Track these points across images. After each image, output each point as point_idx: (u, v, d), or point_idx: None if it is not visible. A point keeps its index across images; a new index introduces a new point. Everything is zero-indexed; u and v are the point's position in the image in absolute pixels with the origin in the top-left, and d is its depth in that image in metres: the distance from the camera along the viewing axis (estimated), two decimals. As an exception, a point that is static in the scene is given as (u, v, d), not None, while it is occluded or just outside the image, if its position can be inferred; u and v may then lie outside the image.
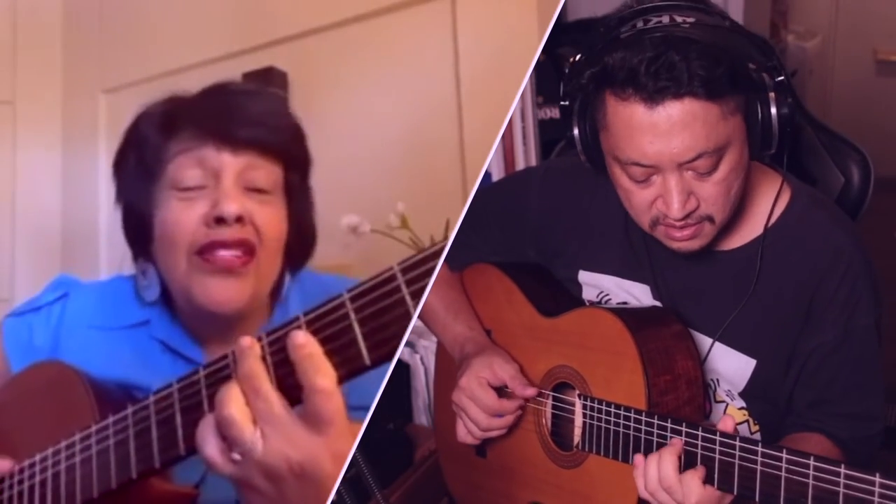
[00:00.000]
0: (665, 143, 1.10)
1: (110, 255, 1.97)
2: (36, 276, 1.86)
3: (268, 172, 1.32)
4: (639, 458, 1.16)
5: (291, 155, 1.35)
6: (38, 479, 1.17)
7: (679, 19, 1.13)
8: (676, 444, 1.12)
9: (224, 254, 1.27)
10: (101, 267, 1.97)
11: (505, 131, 1.94)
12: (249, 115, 1.32)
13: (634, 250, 1.29)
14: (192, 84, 1.37)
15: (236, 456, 0.97)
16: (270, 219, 1.31)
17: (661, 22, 1.13)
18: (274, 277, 1.35)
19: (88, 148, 1.99)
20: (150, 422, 1.07)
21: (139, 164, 1.34)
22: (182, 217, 1.28)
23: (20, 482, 1.19)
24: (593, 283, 1.34)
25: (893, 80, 2.94)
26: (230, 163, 1.29)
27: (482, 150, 1.59)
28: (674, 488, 1.11)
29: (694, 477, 1.10)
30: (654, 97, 1.08)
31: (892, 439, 1.30)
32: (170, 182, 1.30)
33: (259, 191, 1.31)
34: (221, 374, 1.03)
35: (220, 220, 1.27)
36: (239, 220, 1.27)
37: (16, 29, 1.97)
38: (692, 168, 1.12)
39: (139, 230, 1.35)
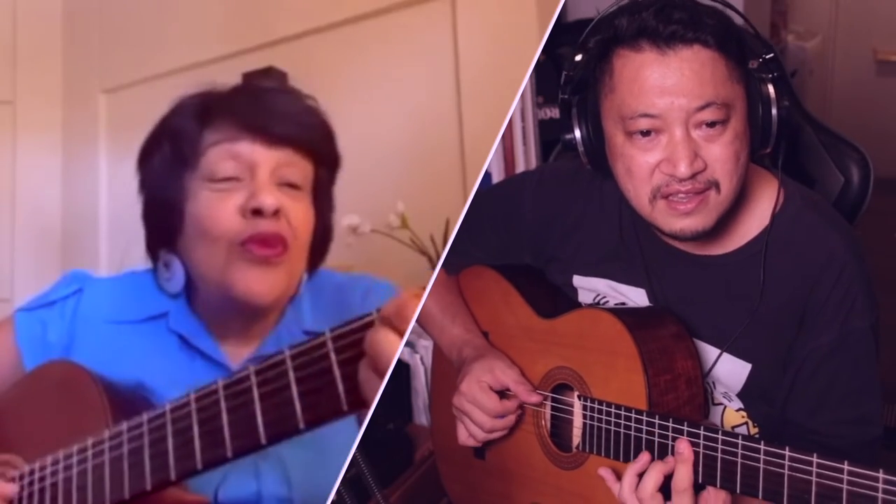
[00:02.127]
0: (675, 90, 1.11)
1: (110, 255, 1.97)
2: (36, 276, 1.86)
3: (300, 169, 1.34)
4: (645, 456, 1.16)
5: (323, 154, 1.38)
6: (48, 482, 1.16)
7: None
8: (669, 461, 1.13)
9: (262, 245, 1.29)
10: (102, 266, 1.97)
11: (505, 131, 1.94)
12: (285, 112, 1.35)
13: (629, 254, 1.28)
14: (191, 84, 1.37)
15: None
16: (301, 215, 1.33)
17: None
18: (300, 274, 1.36)
19: (88, 148, 1.99)
20: (167, 432, 1.06)
21: (173, 154, 1.35)
22: (218, 208, 1.30)
23: (30, 484, 1.18)
24: (589, 287, 1.33)
25: (893, 80, 2.94)
26: (266, 157, 1.31)
27: (482, 150, 1.59)
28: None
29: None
30: (667, 42, 1.10)
31: (893, 440, 1.29)
32: (203, 173, 1.32)
33: (292, 186, 1.33)
34: (240, 385, 1.02)
35: (256, 212, 1.28)
36: (276, 213, 1.29)
37: (16, 29, 1.97)
38: (700, 121, 1.12)
39: (166, 222, 1.35)
